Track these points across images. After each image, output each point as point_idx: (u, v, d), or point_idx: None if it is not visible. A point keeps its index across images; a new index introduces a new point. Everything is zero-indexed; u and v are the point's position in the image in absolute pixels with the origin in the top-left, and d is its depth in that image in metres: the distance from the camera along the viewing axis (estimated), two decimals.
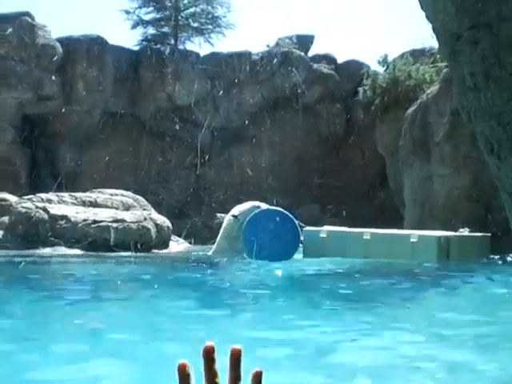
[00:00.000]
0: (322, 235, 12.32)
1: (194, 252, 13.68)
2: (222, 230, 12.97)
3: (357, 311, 6.03)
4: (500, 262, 11.44)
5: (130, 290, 7.49)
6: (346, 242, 11.95)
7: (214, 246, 12.90)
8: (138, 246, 13.33)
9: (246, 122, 22.10)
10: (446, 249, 11.74)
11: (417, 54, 20.42)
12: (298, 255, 12.32)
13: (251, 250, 11.68)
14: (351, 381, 3.71)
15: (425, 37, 19.11)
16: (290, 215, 12.42)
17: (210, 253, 12.79)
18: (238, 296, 7.27)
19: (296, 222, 12.39)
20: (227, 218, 13.18)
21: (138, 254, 12.80)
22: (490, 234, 13.12)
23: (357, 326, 5.28)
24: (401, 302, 6.67)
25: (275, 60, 22.83)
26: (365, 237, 11.88)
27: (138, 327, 5.02)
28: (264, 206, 13.54)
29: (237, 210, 12.89)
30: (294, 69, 22.50)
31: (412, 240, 11.46)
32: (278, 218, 12.18)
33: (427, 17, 6.06)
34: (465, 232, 13.20)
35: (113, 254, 12.28)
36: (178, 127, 21.72)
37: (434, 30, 6.12)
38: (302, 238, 12.47)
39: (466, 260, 11.29)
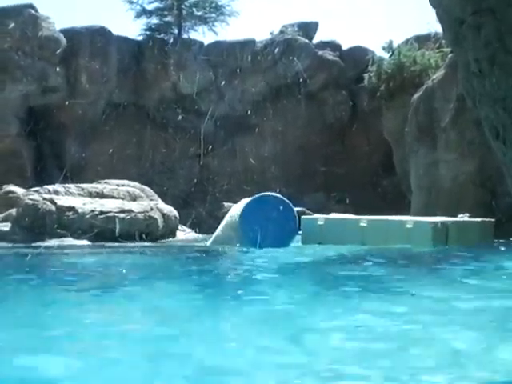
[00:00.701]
0: (319, 223, 12.41)
1: (203, 241, 13.64)
2: (228, 219, 12.94)
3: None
4: (503, 248, 11.46)
5: (144, 279, 7.48)
6: (343, 229, 12.04)
7: (214, 236, 12.85)
8: (145, 236, 13.38)
9: (250, 111, 22.08)
10: (444, 234, 11.80)
11: (422, 40, 20.33)
12: (297, 243, 12.38)
13: (247, 237, 11.75)
14: None
15: (430, 22, 19.02)
16: (288, 201, 12.39)
17: (207, 243, 12.75)
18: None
19: (294, 208, 12.35)
20: (234, 207, 13.18)
21: (145, 244, 12.84)
22: (493, 220, 13.12)
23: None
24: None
25: (279, 48, 22.76)
26: (361, 224, 11.97)
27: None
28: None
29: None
30: (295, 58, 22.44)
31: (407, 226, 11.55)
32: (275, 205, 12.15)
33: (431, 2, 6.05)
34: (464, 217, 13.21)
35: (120, 245, 12.33)
36: (181, 117, 21.71)
37: (438, 15, 6.10)
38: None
39: (466, 245, 11.32)
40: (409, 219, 11.86)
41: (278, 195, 12.56)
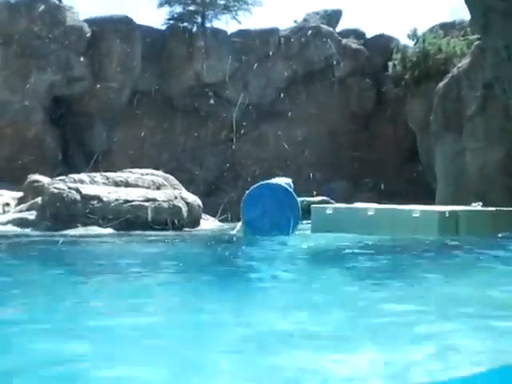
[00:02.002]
0: (328, 212, 12.48)
1: (229, 230, 13.62)
2: None
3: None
4: None
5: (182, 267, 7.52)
6: (352, 218, 12.10)
7: (239, 225, 12.87)
8: (170, 224, 13.43)
9: (277, 97, 22.11)
10: (453, 223, 11.77)
11: (447, 27, 20.16)
12: (306, 231, 12.48)
13: (248, 224, 12.02)
14: None
15: (454, 9, 18.82)
16: (290, 189, 12.46)
17: (234, 231, 12.77)
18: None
19: (296, 196, 12.39)
20: None
21: (170, 232, 12.90)
22: (511, 209, 13.02)
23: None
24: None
25: (303, 36, 22.69)
26: (369, 213, 12.00)
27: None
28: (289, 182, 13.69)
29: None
30: (328, 40, 22.38)
31: (414, 215, 11.56)
32: (277, 193, 12.23)
33: None
34: (477, 206, 13.10)
35: (146, 233, 12.40)
36: (211, 103, 21.79)
37: (466, 1, 6.04)
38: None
39: (478, 235, 11.25)
40: (416, 208, 11.84)
41: (282, 183, 12.60)
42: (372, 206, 12.37)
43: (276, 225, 11.69)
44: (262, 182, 12.69)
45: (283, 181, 13.42)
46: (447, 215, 11.76)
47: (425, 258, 8.53)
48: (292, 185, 13.71)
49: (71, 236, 11.68)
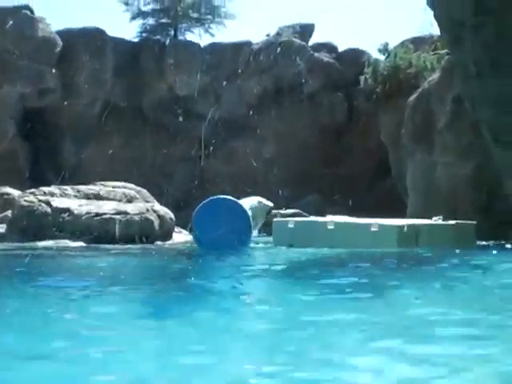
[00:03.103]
0: (290, 225, 12.56)
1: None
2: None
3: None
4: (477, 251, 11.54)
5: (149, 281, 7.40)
6: (312, 232, 12.18)
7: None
8: (138, 238, 13.33)
9: (248, 112, 22.11)
10: (413, 237, 11.93)
11: (417, 42, 20.36)
12: (268, 244, 12.55)
13: (200, 240, 12.12)
14: None
15: (425, 24, 19.04)
16: (239, 203, 12.51)
17: None
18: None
19: (247, 210, 12.43)
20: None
21: (141, 245, 12.80)
22: (474, 222, 13.23)
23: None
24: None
25: (276, 50, 22.78)
26: (329, 226, 12.11)
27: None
28: (266, 202, 13.83)
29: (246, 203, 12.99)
30: (297, 57, 22.47)
31: (373, 229, 11.68)
32: (226, 207, 12.28)
33: (428, 4, 6.04)
34: (438, 220, 13.29)
35: (114, 247, 12.28)
36: (180, 119, 21.72)
37: (436, 17, 6.10)
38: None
39: (438, 247, 11.42)
40: (375, 222, 11.95)
41: (230, 197, 12.63)
42: (332, 220, 12.46)
43: (226, 239, 11.65)
44: (212, 197, 12.76)
45: (255, 200, 13.51)
46: (405, 230, 11.91)
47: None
48: (265, 203, 13.81)
49: (37, 249, 11.49)
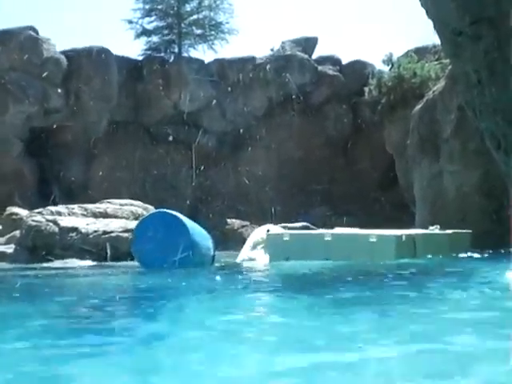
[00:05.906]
0: (285, 238, 12.21)
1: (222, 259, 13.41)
2: (254, 240, 13.07)
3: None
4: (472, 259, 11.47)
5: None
6: (308, 244, 11.86)
7: (244, 254, 12.86)
8: None
9: (252, 126, 22.19)
10: (411, 247, 11.81)
11: (421, 52, 20.37)
12: (265, 259, 12.14)
13: (141, 258, 11.28)
14: None
15: (428, 34, 19.05)
16: (181, 217, 11.46)
17: (238, 260, 12.71)
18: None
19: (186, 224, 11.37)
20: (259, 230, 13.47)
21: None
22: (470, 231, 13.15)
23: None
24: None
25: (279, 64, 22.85)
26: (326, 238, 11.81)
27: None
28: (276, 228, 13.67)
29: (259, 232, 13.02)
30: (301, 71, 22.56)
31: (371, 240, 11.49)
32: (166, 223, 11.18)
33: (428, 14, 6.05)
34: (435, 229, 13.20)
35: (124, 264, 12.26)
36: (185, 135, 21.81)
37: (435, 27, 6.11)
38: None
39: (436, 257, 11.31)
40: (372, 233, 11.77)
41: (171, 212, 11.63)
42: (329, 232, 12.23)
43: (166, 256, 10.81)
44: (152, 211, 12.33)
45: (267, 228, 13.39)
46: (404, 239, 11.77)
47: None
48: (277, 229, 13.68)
49: (45, 269, 11.44)
